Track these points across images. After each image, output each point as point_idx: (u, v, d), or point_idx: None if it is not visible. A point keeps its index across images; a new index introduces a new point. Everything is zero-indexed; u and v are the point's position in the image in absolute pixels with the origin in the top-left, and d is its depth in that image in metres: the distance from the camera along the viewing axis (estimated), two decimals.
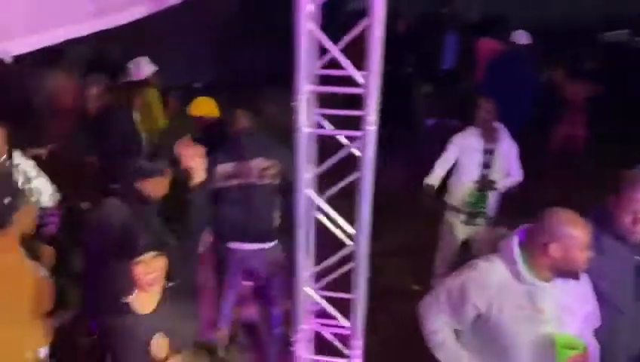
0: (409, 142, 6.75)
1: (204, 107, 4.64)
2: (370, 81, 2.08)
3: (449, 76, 7.21)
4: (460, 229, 4.59)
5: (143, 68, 5.04)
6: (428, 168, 4.58)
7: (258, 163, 3.83)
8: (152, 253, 2.37)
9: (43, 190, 3.61)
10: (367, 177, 2.25)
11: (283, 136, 4.47)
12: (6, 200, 2.59)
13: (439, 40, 6.90)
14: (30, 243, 2.72)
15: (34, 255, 2.73)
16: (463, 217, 4.53)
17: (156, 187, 2.96)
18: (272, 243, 3.91)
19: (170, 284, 2.53)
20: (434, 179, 4.47)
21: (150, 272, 2.35)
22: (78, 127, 4.87)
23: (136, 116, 4.78)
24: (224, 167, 3.80)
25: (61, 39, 2.55)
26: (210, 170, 3.35)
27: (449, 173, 4.56)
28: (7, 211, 2.55)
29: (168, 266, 2.48)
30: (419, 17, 6.82)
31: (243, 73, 7.33)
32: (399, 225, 5.31)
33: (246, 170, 3.81)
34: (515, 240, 2.52)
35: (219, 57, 6.79)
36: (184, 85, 5.88)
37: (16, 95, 5.40)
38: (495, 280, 2.48)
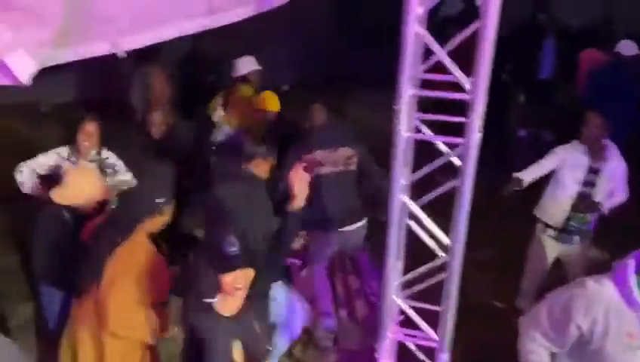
0: (499, 152, 6.50)
1: (269, 102, 4.89)
2: (478, 87, 2.00)
3: (545, 86, 6.87)
4: (552, 247, 4.33)
5: (247, 65, 5.17)
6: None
7: (344, 151, 4.08)
8: (242, 269, 2.35)
9: (130, 184, 3.82)
10: (466, 187, 2.17)
11: (362, 136, 4.52)
12: (159, 200, 2.78)
13: (537, 48, 6.59)
14: (155, 239, 2.88)
15: (160, 250, 2.89)
16: (555, 234, 4.27)
17: (260, 168, 3.48)
18: (365, 220, 4.20)
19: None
20: (525, 175, 4.19)
21: (238, 284, 2.35)
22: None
23: (220, 112, 4.97)
24: (315, 155, 4.01)
25: (171, 37, 2.63)
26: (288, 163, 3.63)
27: (541, 186, 4.32)
28: (158, 211, 2.77)
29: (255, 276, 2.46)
30: (516, 23, 6.55)
31: (331, 74, 7.34)
32: (485, 238, 5.11)
33: (334, 157, 4.06)
34: (631, 265, 2.33)
35: (309, 57, 6.82)
36: (274, 85, 5.93)
37: (121, 90, 5.70)
38: (603, 303, 2.31)
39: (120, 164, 3.92)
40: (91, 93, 7.40)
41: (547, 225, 4.26)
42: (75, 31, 2.65)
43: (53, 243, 3.39)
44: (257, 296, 2.57)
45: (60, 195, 3.21)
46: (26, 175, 3.68)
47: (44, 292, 3.57)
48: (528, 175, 4.17)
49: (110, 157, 3.90)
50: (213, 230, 3.03)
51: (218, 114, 4.99)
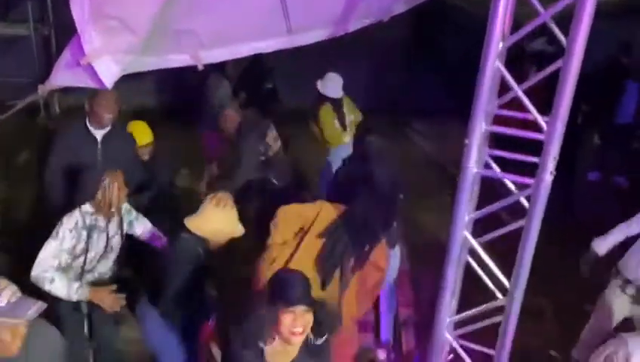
0: (567, 194, 6.26)
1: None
2: (555, 128, 1.94)
3: (623, 130, 6.58)
4: (626, 305, 4.02)
5: (333, 84, 5.02)
6: (582, 224, 4.16)
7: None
8: (304, 307, 2.21)
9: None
10: (533, 229, 2.10)
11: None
12: None
13: (618, 91, 6.34)
14: None
15: None
16: (633, 292, 3.96)
17: None
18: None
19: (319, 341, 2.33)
20: (604, 246, 3.93)
21: (297, 325, 2.21)
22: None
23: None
24: None
25: (249, 53, 2.73)
26: None
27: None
28: None
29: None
30: (597, 65, 6.34)
31: (395, 104, 7.36)
32: (542, 283, 4.90)
33: None
34: None
35: (376, 85, 6.84)
36: None
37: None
38: None
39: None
40: (163, 99, 7.70)
41: (627, 281, 3.97)
42: (160, 42, 2.79)
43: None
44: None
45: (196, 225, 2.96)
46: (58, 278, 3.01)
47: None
48: (608, 243, 3.86)
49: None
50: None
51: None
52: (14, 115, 3.99)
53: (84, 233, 3.05)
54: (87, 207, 3.08)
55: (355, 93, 5.46)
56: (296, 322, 2.19)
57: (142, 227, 3.39)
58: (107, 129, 3.69)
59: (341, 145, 4.96)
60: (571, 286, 4.57)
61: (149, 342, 3.20)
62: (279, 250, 2.86)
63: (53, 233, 3.01)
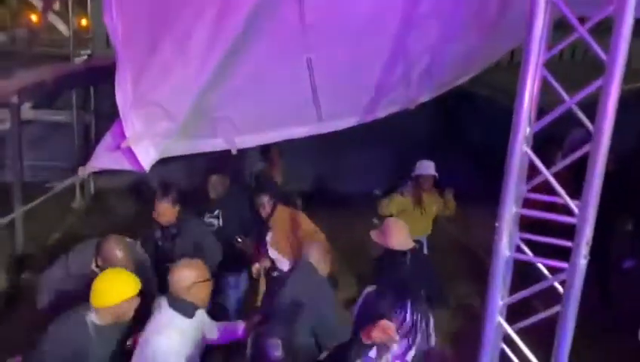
0: (602, 282, 6.05)
1: None
2: (587, 212, 1.93)
3: None
4: None
5: (429, 170, 5.25)
6: (619, 314, 4.02)
7: None
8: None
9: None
10: (570, 314, 2.04)
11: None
12: None
13: None
14: None
15: None
16: None
17: None
18: None
19: None
20: None
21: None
22: None
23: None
24: None
25: (280, 139, 2.83)
26: None
27: None
28: None
29: None
30: (632, 151, 6.34)
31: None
32: None
33: None
34: None
35: (405, 167, 6.94)
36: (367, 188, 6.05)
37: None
38: None
39: None
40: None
41: None
42: (196, 127, 2.92)
43: None
44: None
45: None
46: None
47: None
48: None
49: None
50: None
51: None
52: (52, 198, 4.11)
53: None
54: None
55: (385, 179, 5.56)
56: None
57: None
58: None
59: None
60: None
61: None
62: None
63: None
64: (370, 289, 3.35)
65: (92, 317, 2.80)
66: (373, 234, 3.77)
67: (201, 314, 3.00)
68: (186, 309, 2.88)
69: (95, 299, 2.76)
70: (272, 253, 4.61)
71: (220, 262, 4.02)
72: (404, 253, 3.69)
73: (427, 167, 5.25)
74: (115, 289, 2.77)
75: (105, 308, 2.77)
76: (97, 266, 3.18)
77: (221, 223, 4.68)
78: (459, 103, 7.91)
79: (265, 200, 4.62)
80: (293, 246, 4.50)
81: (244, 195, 4.88)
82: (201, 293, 2.95)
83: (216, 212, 4.70)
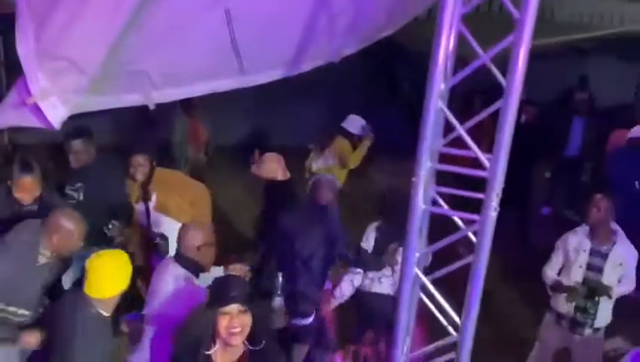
0: (521, 228, 6.39)
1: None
2: (497, 166, 2.00)
3: (572, 164, 6.80)
4: (561, 336, 4.15)
5: (354, 123, 5.81)
6: (534, 258, 4.32)
7: None
8: (239, 306, 2.34)
9: None
10: (481, 264, 2.13)
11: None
12: None
13: (566, 125, 6.56)
14: None
15: None
16: (566, 324, 4.09)
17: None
18: None
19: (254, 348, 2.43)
20: (549, 281, 4.13)
21: (234, 326, 2.35)
22: None
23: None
24: None
25: (201, 93, 2.74)
26: None
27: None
28: None
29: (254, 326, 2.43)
30: (551, 97, 6.60)
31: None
32: (496, 316, 4.96)
33: None
34: None
35: (337, 121, 6.97)
36: (299, 145, 6.04)
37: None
38: None
39: None
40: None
41: (559, 315, 4.10)
42: (110, 82, 2.77)
43: None
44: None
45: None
46: None
47: None
48: (550, 280, 4.15)
49: None
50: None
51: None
52: None
53: None
54: None
55: (314, 128, 5.69)
56: (233, 321, 2.31)
57: None
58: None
59: None
60: (528, 318, 4.65)
61: None
62: None
63: None
64: None
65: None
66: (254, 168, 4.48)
67: (203, 279, 3.17)
68: (194, 268, 3.14)
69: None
70: (158, 216, 4.26)
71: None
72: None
73: (351, 122, 5.84)
74: None
75: None
76: None
77: (81, 197, 4.10)
78: (394, 58, 7.97)
79: (140, 160, 4.20)
80: (181, 207, 4.28)
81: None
82: (208, 256, 3.22)
83: (77, 184, 4.12)
